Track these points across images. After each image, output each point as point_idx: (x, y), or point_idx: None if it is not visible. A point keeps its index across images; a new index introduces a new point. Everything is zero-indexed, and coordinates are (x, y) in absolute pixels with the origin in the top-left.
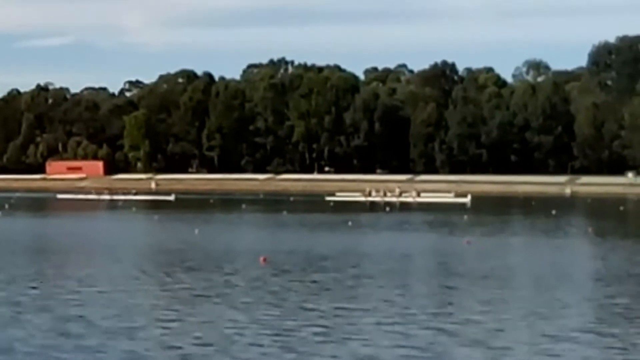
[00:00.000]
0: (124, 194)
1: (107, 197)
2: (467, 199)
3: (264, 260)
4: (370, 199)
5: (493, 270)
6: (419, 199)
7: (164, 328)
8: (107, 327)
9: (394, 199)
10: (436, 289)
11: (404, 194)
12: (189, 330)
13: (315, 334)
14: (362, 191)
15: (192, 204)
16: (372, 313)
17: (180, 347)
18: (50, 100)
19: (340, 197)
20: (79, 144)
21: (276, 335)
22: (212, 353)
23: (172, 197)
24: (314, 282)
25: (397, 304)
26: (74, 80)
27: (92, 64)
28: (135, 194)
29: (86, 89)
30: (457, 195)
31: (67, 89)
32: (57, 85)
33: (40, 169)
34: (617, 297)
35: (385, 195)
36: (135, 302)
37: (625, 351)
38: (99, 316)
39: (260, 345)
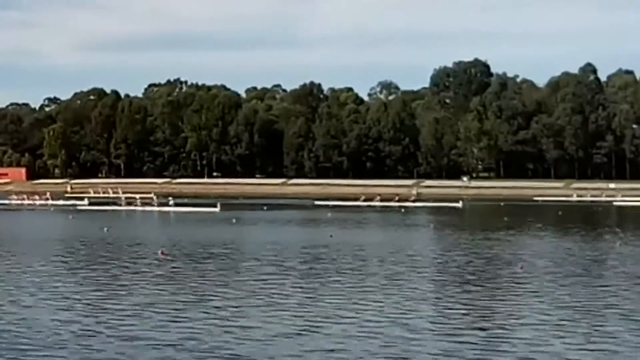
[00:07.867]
0: None
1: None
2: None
3: (162, 252)
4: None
5: (351, 258)
6: None
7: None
8: None
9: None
10: (305, 273)
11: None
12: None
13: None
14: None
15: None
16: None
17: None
18: None
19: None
20: (4, 153)
21: (166, 312)
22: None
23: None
24: (203, 270)
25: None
26: (0, 96)
27: (16, 82)
28: None
29: (11, 104)
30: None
31: None
32: None
33: None
34: (452, 277)
35: None
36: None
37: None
38: None
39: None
